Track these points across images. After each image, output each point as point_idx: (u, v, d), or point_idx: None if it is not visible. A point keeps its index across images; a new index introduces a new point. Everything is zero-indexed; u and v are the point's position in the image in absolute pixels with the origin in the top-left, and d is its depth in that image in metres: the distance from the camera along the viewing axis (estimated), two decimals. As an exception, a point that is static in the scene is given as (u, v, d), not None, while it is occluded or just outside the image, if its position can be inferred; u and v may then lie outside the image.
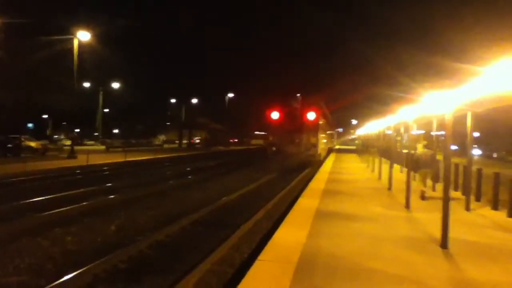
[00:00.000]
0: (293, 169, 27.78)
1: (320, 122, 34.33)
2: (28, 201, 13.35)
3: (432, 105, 9.04)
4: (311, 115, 33.00)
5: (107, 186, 17.82)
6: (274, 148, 32.31)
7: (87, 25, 33.59)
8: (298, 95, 33.65)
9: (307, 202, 12.00)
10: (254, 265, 6.15)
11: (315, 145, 32.72)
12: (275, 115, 33.21)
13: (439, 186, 14.99)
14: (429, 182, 14.66)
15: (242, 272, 6.32)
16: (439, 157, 15.72)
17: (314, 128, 33.08)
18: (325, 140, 42.97)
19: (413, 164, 13.07)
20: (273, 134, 33.24)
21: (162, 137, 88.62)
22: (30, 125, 75.70)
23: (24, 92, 35.98)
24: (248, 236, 10.10)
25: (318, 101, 36.15)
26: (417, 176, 14.63)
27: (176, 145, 74.58)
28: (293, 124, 32.05)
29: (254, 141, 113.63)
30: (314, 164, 30.82)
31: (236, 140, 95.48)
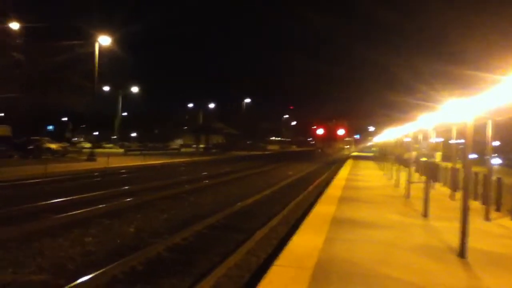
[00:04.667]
0: (331, 162, 48.35)
1: (346, 135, 70.68)
2: (49, 202, 13.60)
3: (452, 113, 8.98)
4: (341, 131, 68.34)
5: (126, 188, 17.99)
6: (319, 150, 63.65)
7: (107, 29, 34.24)
8: (334, 120, 69.00)
9: (324, 209, 11.98)
10: (270, 270, 6.20)
11: (343, 149, 69.61)
12: (320, 131, 68.89)
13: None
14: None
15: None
16: (458, 165, 15.93)
17: (342, 138, 68.21)
18: (347, 146, 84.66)
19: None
20: (319, 142, 67.94)
21: (179, 141, 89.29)
22: (50, 127, 77.13)
23: (44, 95, 36.71)
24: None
25: (344, 122, 70.88)
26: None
27: (193, 149, 75.08)
28: (331, 136, 64.90)
29: (270, 147, 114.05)
30: (343, 159, 53.24)
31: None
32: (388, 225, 10.01)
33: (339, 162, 46.67)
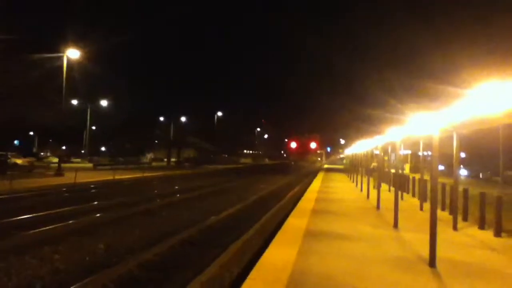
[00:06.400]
0: (304, 174, 52.08)
1: (318, 148, 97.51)
2: (15, 219, 13.19)
3: (419, 126, 9.24)
4: (313, 145, 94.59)
5: (95, 204, 17.64)
6: (293, 163, 75.60)
7: (76, 43, 33.75)
8: (306, 134, 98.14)
9: (296, 222, 12.03)
10: (244, 284, 6.17)
11: (315, 161, 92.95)
12: (293, 144, 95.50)
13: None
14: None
15: None
16: (426, 177, 16.41)
17: (315, 151, 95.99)
18: (319, 158, 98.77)
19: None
20: (292, 155, 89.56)
21: (150, 155, 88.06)
22: (16, 142, 74.93)
23: (11, 109, 35.76)
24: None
25: (316, 135, 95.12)
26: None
27: (164, 163, 74.20)
28: (304, 149, 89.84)
29: (243, 160, 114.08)
30: (315, 171, 57.16)
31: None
32: (360, 237, 10.13)
33: (311, 175, 47.01)
